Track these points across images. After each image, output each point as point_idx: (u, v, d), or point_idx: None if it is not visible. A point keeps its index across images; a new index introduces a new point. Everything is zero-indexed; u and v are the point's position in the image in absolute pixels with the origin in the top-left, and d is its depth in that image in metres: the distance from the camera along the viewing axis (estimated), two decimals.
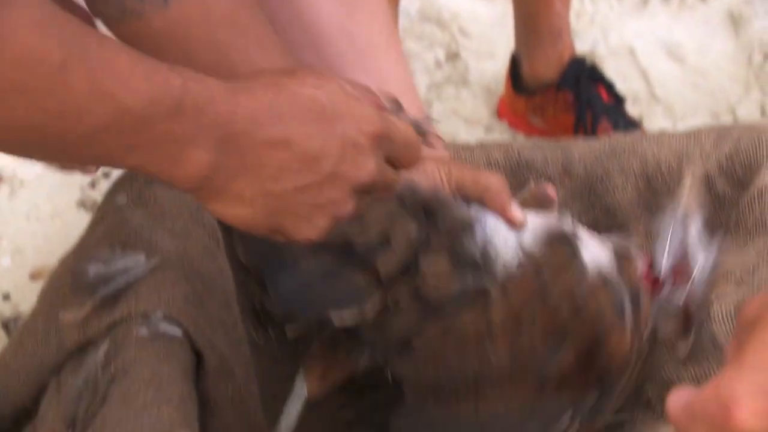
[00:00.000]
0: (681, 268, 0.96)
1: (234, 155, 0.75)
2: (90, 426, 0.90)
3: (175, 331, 0.95)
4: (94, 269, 0.96)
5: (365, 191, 0.81)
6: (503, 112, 1.80)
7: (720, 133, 1.14)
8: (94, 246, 0.99)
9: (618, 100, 1.71)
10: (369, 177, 0.80)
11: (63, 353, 0.98)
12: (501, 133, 1.76)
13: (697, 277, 0.96)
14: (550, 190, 0.98)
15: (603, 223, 1.15)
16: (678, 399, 0.65)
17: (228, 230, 1.02)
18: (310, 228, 0.80)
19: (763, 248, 1.02)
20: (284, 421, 0.98)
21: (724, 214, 1.11)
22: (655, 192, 1.14)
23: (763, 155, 1.09)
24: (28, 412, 1.03)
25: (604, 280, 0.91)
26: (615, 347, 0.91)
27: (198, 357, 0.97)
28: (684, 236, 0.96)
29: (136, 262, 0.97)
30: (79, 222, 1.55)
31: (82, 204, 1.62)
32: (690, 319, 0.96)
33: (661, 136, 1.15)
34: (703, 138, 1.14)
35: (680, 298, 0.96)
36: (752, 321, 0.66)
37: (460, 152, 1.17)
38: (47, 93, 0.67)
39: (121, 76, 0.70)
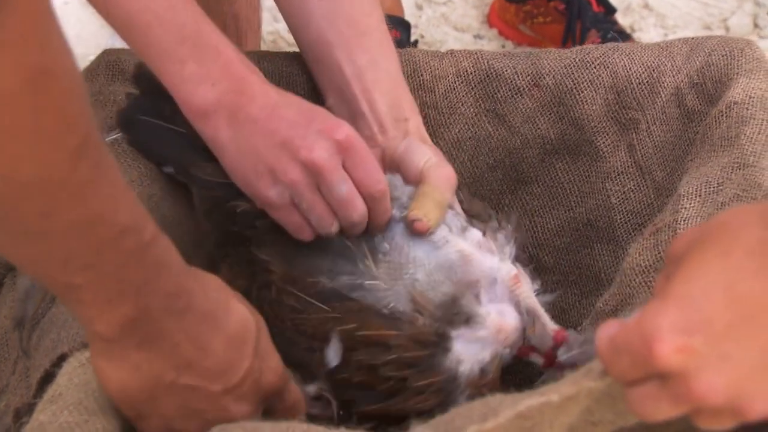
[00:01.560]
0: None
1: (158, 327, 0.73)
2: (38, 326, 0.90)
3: None
4: None
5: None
6: (493, 19, 1.78)
7: (692, 46, 1.12)
8: None
9: (608, 10, 1.69)
10: (237, 418, 0.81)
11: None
12: (490, 41, 1.74)
13: None
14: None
15: (571, 135, 1.14)
16: (605, 332, 0.65)
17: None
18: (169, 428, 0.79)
19: (727, 164, 1.00)
20: None
21: (692, 130, 1.09)
22: (625, 105, 1.12)
23: (734, 70, 1.07)
24: None
25: (445, 382, 0.91)
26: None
27: None
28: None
29: None
30: None
31: None
32: None
33: (633, 49, 1.13)
34: (674, 51, 1.12)
35: None
36: (680, 256, 0.65)
37: (429, 60, 1.15)
38: (55, 171, 0.61)
39: (118, 187, 0.67)
